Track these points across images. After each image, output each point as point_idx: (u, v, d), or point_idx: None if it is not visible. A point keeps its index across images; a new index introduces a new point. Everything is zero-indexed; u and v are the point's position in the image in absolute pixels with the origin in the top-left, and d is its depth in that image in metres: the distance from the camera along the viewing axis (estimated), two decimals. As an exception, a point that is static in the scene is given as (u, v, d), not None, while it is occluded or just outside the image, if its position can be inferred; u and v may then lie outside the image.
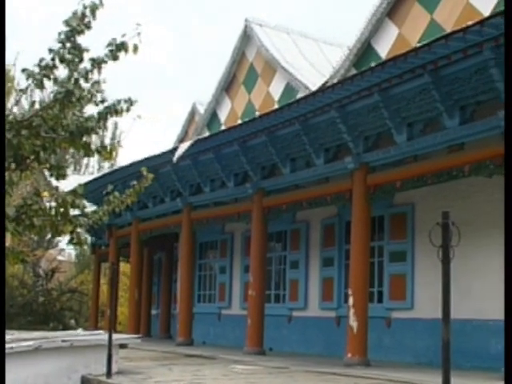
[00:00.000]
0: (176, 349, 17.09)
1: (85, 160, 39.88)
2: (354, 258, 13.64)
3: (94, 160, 39.31)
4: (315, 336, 16.70)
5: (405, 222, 14.71)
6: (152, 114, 67.46)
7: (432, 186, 12.74)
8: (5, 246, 7.89)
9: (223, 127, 21.32)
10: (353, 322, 13.15)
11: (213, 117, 23.86)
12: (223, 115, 23.37)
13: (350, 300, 13.36)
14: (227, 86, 23.10)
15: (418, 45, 11.38)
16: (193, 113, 27.26)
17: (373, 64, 12.14)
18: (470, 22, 9.94)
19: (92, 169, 40.71)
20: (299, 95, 17.19)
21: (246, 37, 21.95)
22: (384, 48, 15.92)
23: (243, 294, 19.30)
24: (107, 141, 32.35)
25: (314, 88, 16.35)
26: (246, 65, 22.34)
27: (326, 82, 16.01)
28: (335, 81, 14.47)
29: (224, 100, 23.28)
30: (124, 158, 39.31)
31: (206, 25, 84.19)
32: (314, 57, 20.66)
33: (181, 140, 25.36)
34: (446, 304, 5.72)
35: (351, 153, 13.61)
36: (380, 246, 15.33)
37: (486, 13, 12.67)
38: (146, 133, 69.72)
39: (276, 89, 20.53)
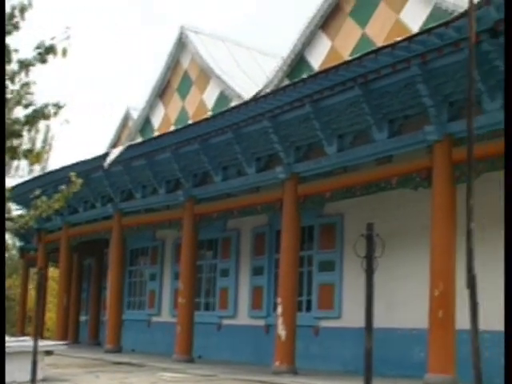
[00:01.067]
0: (104, 356, 16.93)
1: (15, 162, 39.06)
2: (284, 267, 13.77)
3: (24, 163, 38.57)
4: (244, 344, 16.75)
5: (334, 232, 14.91)
6: (85, 118, 66.67)
7: (361, 197, 12.95)
8: (5, 246, 7.74)
9: (156, 133, 21.22)
10: (281, 331, 13.26)
11: (146, 123, 23.73)
12: (156, 121, 23.27)
13: (279, 309, 13.47)
14: (161, 92, 23.01)
15: (350, 58, 11.59)
16: (126, 118, 27.05)
17: (305, 75, 12.32)
18: (398, 38, 10.19)
19: (22, 172, 39.93)
20: (232, 104, 17.27)
21: (181, 43, 21.91)
22: (317, 60, 16.13)
23: (173, 301, 19.23)
24: (39, 144, 31.75)
25: (247, 97, 16.45)
26: (180, 71, 22.30)
27: (260, 92, 16.12)
28: (268, 91, 14.60)
29: (158, 106, 23.18)
30: (58, 162, 38.71)
31: (142, 29, 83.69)
32: (248, 66, 20.77)
33: (113, 145, 25.13)
34: (368, 313, 5.84)
35: (282, 163, 13.74)
36: (309, 255, 15.50)
37: (415, 29, 12.99)
38: (82, 136, 68.78)
39: (210, 97, 20.56)
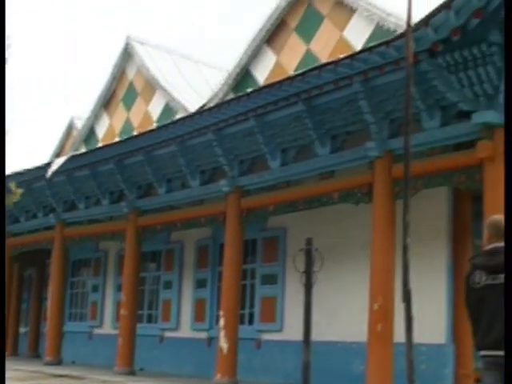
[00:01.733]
0: (44, 368, 16.67)
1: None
2: (226, 280, 13.80)
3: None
4: (186, 357, 16.70)
5: (277, 245, 15.01)
6: (28, 126, 65.69)
7: (304, 211, 13.08)
8: (5, 246, 7.63)
9: (100, 144, 21.09)
10: (223, 343, 13.28)
11: (90, 133, 23.55)
12: (101, 132, 23.11)
13: (221, 321, 13.49)
14: (106, 102, 22.88)
15: (294, 73, 11.73)
16: (70, 127, 26.78)
17: (250, 89, 12.41)
18: (341, 56, 10.36)
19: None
20: (178, 116, 17.28)
21: (127, 54, 21.83)
22: (262, 74, 16.27)
23: (115, 313, 19.07)
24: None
25: (192, 110, 16.49)
26: (125, 82, 22.21)
27: (205, 105, 16.18)
28: (213, 104, 14.66)
29: (102, 116, 23.03)
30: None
31: (88, 38, 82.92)
32: (194, 78, 20.81)
33: (57, 155, 24.86)
34: (307, 327, 5.96)
35: (226, 176, 13.80)
36: (252, 268, 15.56)
37: (359, 47, 13.21)
38: (24, 145, 67.66)
39: (155, 108, 20.53)
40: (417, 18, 9.16)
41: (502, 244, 5.61)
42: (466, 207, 11.82)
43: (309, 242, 6.11)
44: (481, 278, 5.57)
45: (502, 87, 9.26)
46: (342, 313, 13.21)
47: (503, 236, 5.65)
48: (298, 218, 13.80)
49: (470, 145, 9.87)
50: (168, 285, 17.86)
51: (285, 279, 14.70)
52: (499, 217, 5.98)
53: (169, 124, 13.85)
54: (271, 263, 15.12)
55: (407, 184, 7.34)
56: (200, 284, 16.90)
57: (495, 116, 9.37)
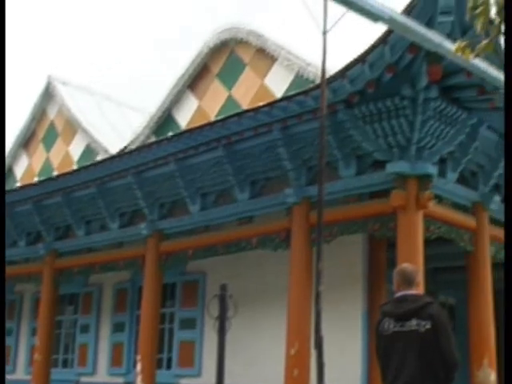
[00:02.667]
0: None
1: None
2: (144, 324, 13.65)
3: None
4: (102, 402, 16.35)
5: (196, 289, 14.95)
6: None
7: (223, 255, 13.10)
8: (4, 247, 7.38)
9: (18, 184, 20.69)
10: (139, 389, 13.08)
11: (8, 172, 23.09)
12: (19, 172, 22.68)
13: (139, 366, 13.30)
14: (25, 142, 22.50)
15: (215, 119, 11.85)
16: (-12, 167, 26.20)
17: (171, 133, 12.46)
18: (261, 103, 10.54)
19: None
20: (99, 158, 17.16)
21: (48, 94, 21.58)
22: (184, 118, 16.34)
23: (29, 358, 18.56)
24: None
25: (114, 151, 16.40)
26: (46, 122, 21.91)
27: (126, 147, 16.12)
28: (135, 146, 14.64)
29: (21, 156, 22.63)
30: None
31: (7, 79, 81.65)
32: (116, 120, 20.72)
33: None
34: (219, 374, 5.97)
35: (146, 219, 13.73)
36: (171, 312, 15.44)
37: (279, 94, 13.46)
38: None
39: (76, 149, 20.32)
40: (334, 69, 9.47)
41: (411, 292, 5.80)
42: (380, 254, 12.08)
43: (223, 288, 6.15)
44: (389, 326, 5.74)
45: (415, 139, 9.59)
46: (258, 358, 13.20)
47: (413, 283, 5.84)
48: (217, 262, 13.80)
49: (384, 193, 10.13)
50: (85, 328, 17.52)
51: (204, 324, 14.61)
52: (407, 265, 6.18)
53: (89, 166, 13.74)
54: (190, 307, 15.04)
55: (320, 231, 7.48)
56: (118, 328, 16.64)
57: (407, 166, 9.68)
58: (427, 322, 5.52)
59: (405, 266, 6.16)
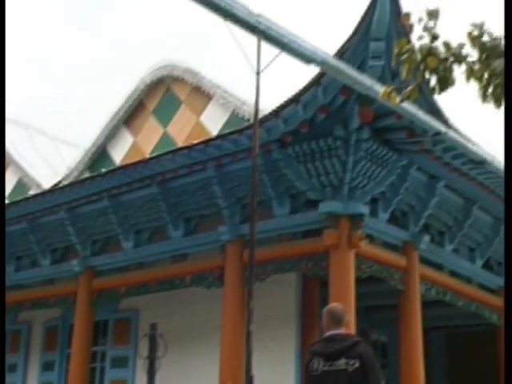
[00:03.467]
0: None
1: None
2: (74, 363, 13.37)
3: None
4: None
5: (129, 327, 14.71)
6: None
7: (156, 293, 12.97)
8: (5, 247, 7.11)
9: None
10: (67, 431, 12.75)
11: None
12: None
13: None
14: (-44, 175, 22.01)
15: (149, 156, 11.82)
16: None
17: (105, 169, 12.36)
18: (195, 141, 10.57)
19: None
20: (31, 192, 16.86)
21: (-19, 127, 21.23)
22: (119, 154, 16.22)
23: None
24: None
25: (46, 186, 16.14)
26: (-22, 156, 21.51)
27: (59, 182, 15.90)
28: (68, 182, 14.45)
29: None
30: None
31: None
32: (50, 155, 20.42)
33: None
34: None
35: (78, 255, 13.53)
36: (103, 350, 15.14)
37: (215, 132, 13.51)
38: None
39: (7, 183, 19.91)
40: (269, 109, 9.58)
41: (339, 331, 5.84)
42: (313, 293, 12.13)
43: (153, 327, 6.08)
44: (319, 365, 5.76)
45: (347, 179, 9.73)
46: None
47: (341, 323, 5.89)
48: (150, 299, 13.64)
49: (317, 232, 10.22)
50: (12, 368, 17.00)
51: (136, 362, 14.34)
52: (335, 304, 6.25)
53: (20, 200, 13.51)
54: (122, 346, 14.77)
55: (252, 270, 7.49)
56: (47, 367, 16.22)
57: (340, 206, 9.81)
58: (356, 361, 5.56)
59: (333, 305, 6.23)
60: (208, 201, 11.55)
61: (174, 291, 12.78)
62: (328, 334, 5.87)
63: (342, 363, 5.61)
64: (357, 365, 5.55)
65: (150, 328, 6.21)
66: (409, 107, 8.21)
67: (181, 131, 14.86)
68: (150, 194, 12.02)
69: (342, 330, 5.83)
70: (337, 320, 5.88)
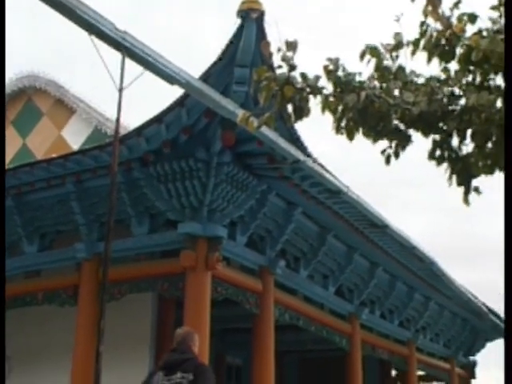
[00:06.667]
0: None
1: None
2: None
3: None
4: None
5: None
6: None
7: (8, 310, 12.46)
8: (5, 247, 6.30)
9: None
10: None
11: None
12: None
13: None
14: None
15: (7, 167, 11.42)
16: None
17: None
18: (54, 155, 10.32)
19: None
20: None
21: None
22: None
23: None
24: None
25: None
26: None
27: None
28: None
29: None
30: None
31: None
32: None
33: None
34: None
35: None
36: None
37: (76, 147, 13.25)
38: None
39: None
40: (133, 126, 9.52)
41: (181, 349, 6.04)
42: (169, 314, 12.05)
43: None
44: (158, 379, 5.98)
45: (207, 201, 9.78)
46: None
47: (186, 345, 6.09)
48: (1, 316, 13.09)
49: (175, 253, 10.19)
50: None
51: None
52: (183, 328, 6.52)
53: None
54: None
55: (104, 288, 7.38)
56: None
57: (198, 228, 9.84)
58: (189, 375, 5.81)
59: (182, 328, 6.53)
60: (65, 216, 11.28)
61: (26, 308, 12.34)
62: (171, 352, 6.12)
63: (178, 377, 5.84)
64: (191, 378, 5.77)
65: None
66: (270, 134, 8.39)
67: (41, 144, 14.48)
68: (6, 208, 11.59)
69: (184, 350, 6.04)
70: (182, 342, 6.11)
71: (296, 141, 9.25)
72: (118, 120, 6.73)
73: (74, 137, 14.04)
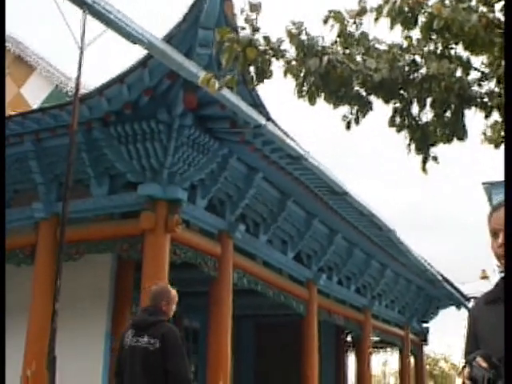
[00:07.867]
0: None
1: None
2: None
3: None
4: None
5: None
6: None
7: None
8: (4, 247, 6.06)
9: None
10: None
11: None
12: None
13: None
14: None
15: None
16: None
17: None
18: (12, 112, 10.16)
19: None
20: None
21: None
22: None
23: None
24: None
25: None
26: None
27: None
28: None
29: None
30: None
31: None
32: None
33: None
34: None
35: None
36: None
37: (35, 106, 13.07)
38: None
39: None
40: (95, 86, 9.40)
41: (152, 309, 5.94)
42: (128, 275, 12.02)
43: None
44: (127, 339, 5.80)
45: (167, 163, 9.74)
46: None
47: (157, 301, 5.98)
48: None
49: (135, 215, 10.15)
50: None
51: None
52: (160, 284, 6.39)
53: None
54: None
55: (61, 248, 7.35)
56: None
57: (158, 190, 9.81)
58: (156, 341, 5.61)
59: (157, 284, 6.36)
60: (23, 176, 11.14)
61: (-18, 268, 12.22)
62: (142, 308, 6.03)
63: (145, 341, 5.66)
64: (157, 345, 5.59)
65: None
66: (232, 97, 8.36)
67: (0, 102, 14.23)
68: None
69: (155, 309, 5.90)
70: (151, 300, 5.98)
71: (258, 105, 9.23)
72: (78, 78, 6.66)
73: (34, 95, 13.83)
